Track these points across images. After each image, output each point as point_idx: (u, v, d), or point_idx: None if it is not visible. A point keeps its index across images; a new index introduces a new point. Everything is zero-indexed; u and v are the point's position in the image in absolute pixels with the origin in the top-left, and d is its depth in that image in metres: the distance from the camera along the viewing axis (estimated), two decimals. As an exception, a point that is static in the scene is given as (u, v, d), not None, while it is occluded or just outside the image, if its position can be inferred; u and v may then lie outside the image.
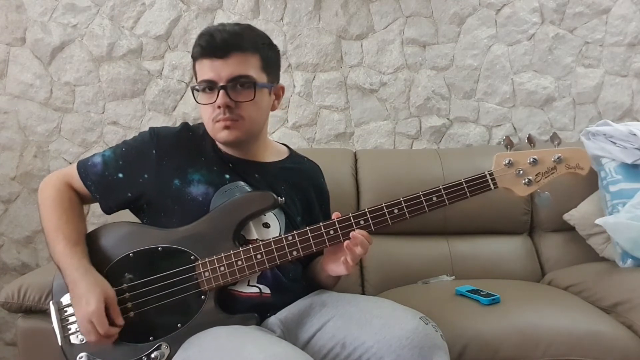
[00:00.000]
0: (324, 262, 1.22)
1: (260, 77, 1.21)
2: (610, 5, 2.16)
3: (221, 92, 1.16)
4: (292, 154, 1.40)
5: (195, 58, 1.21)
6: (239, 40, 1.19)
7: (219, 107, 1.17)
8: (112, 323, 1.10)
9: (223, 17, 2.13)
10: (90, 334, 1.09)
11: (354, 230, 1.14)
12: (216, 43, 1.17)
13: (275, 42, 1.29)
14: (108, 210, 1.27)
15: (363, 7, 2.16)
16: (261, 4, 2.15)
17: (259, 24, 2.13)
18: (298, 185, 1.32)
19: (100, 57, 2.15)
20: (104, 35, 2.13)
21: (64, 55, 2.15)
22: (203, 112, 1.23)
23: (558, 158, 1.15)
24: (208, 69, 1.17)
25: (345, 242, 1.12)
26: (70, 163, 2.14)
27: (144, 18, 2.14)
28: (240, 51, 1.18)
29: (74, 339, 1.13)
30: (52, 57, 2.14)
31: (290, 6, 2.15)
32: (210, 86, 1.18)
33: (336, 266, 1.17)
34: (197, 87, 1.21)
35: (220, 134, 1.21)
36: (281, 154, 1.36)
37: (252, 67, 1.19)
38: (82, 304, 1.09)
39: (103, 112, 2.18)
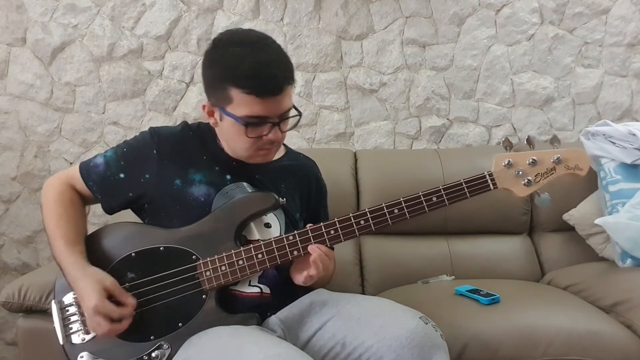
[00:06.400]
0: (292, 269, 1.21)
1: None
2: (610, 6, 2.17)
3: (275, 128, 1.14)
4: (289, 151, 1.41)
5: (244, 91, 1.09)
6: (289, 72, 1.13)
7: (269, 140, 1.15)
8: (125, 305, 1.11)
9: (223, 18, 2.13)
10: (101, 326, 1.08)
11: (354, 229, 1.15)
12: (277, 82, 1.10)
13: (275, 42, 1.27)
14: (110, 211, 1.27)
15: (363, 7, 2.16)
16: (261, 4, 2.15)
17: (259, 24, 2.14)
18: (297, 182, 1.33)
19: (100, 57, 2.15)
20: (104, 36, 2.14)
21: (65, 55, 2.15)
22: (239, 138, 1.16)
23: (557, 159, 1.15)
24: (261, 107, 1.11)
25: (312, 257, 1.12)
26: (71, 163, 2.16)
27: (145, 18, 2.15)
28: (290, 84, 1.14)
29: (75, 338, 1.14)
30: (53, 57, 2.15)
31: (290, 6, 2.15)
32: (261, 122, 1.14)
33: (299, 275, 1.17)
34: (244, 122, 1.12)
35: (258, 159, 1.21)
36: (279, 152, 1.36)
37: (292, 95, 1.17)
38: (85, 302, 1.10)
39: (103, 112, 2.18)
